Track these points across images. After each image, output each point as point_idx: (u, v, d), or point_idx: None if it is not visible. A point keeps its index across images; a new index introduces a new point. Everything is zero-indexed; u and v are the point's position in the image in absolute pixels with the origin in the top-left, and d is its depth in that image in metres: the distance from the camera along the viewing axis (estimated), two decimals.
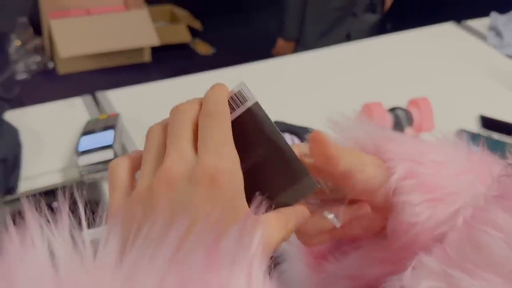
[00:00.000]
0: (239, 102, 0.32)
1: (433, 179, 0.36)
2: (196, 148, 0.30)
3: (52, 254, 0.26)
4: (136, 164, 0.33)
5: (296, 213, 0.33)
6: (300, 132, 0.84)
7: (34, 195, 0.98)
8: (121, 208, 0.30)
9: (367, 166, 0.35)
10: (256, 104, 0.32)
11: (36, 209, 0.28)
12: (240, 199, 0.29)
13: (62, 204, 0.28)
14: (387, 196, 0.36)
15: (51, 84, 2.53)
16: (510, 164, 0.36)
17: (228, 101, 0.32)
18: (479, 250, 0.31)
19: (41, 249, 0.26)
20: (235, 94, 0.32)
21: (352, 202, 0.37)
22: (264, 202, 0.29)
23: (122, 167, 0.32)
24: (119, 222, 0.27)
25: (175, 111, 0.31)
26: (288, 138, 0.83)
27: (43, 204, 0.28)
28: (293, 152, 0.32)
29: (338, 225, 0.35)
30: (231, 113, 0.32)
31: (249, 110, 0.32)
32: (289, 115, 0.92)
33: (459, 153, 0.38)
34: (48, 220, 0.27)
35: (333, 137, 0.39)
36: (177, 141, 0.29)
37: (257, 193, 0.29)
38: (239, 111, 0.32)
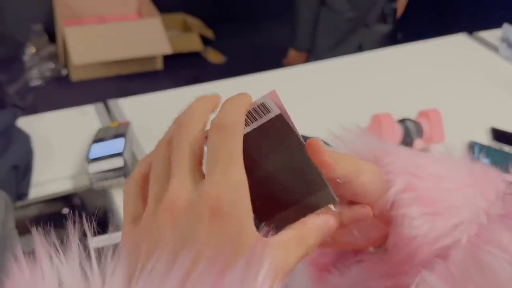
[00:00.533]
0: (261, 113, 0.31)
1: (431, 192, 0.35)
2: (200, 169, 0.29)
3: (60, 284, 0.26)
4: (146, 182, 0.31)
5: (318, 225, 0.31)
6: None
7: (44, 201, 0.99)
8: (127, 239, 0.29)
9: (364, 173, 0.35)
10: (279, 115, 0.31)
11: (46, 237, 0.28)
12: (246, 227, 0.27)
13: (71, 232, 0.28)
14: (384, 209, 0.36)
15: (64, 91, 2.57)
16: None
17: (250, 111, 0.31)
18: (482, 270, 0.30)
19: (50, 279, 0.26)
20: (257, 106, 0.31)
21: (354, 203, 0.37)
22: (274, 225, 0.28)
23: (129, 192, 0.31)
24: (125, 253, 0.27)
25: (178, 125, 0.30)
26: None
27: (53, 235, 0.28)
28: (313, 164, 0.32)
29: (336, 210, 0.35)
30: (252, 122, 0.31)
31: (271, 120, 0.31)
32: (299, 125, 0.92)
33: (461, 167, 0.38)
34: (57, 249, 0.27)
35: (335, 148, 0.39)
36: (179, 165, 0.28)
37: (264, 223, 0.29)
38: (260, 121, 0.31)
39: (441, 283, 0.32)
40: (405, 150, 0.38)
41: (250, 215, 0.28)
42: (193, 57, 2.90)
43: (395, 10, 1.93)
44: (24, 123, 1.00)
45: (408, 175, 0.36)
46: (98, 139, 0.95)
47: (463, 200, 0.36)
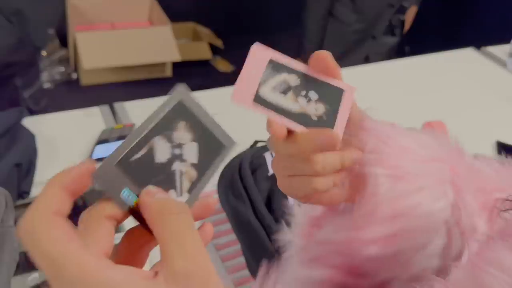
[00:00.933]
0: None
1: (394, 158, 0.39)
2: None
3: None
4: None
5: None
6: None
7: None
8: None
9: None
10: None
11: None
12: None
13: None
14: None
15: (73, 94, 2.59)
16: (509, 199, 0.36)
17: None
18: None
19: None
20: None
21: None
22: None
23: None
24: None
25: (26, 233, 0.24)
26: None
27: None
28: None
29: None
30: None
31: None
32: None
33: (434, 143, 0.41)
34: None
35: None
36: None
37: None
38: None
39: None
40: (383, 124, 0.42)
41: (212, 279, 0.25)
42: (202, 65, 2.92)
43: (403, 22, 1.94)
44: (30, 122, 1.01)
45: (377, 140, 0.39)
46: (102, 140, 0.96)
47: (427, 171, 0.39)
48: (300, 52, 2.01)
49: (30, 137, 0.95)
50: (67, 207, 0.26)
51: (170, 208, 0.26)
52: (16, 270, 0.73)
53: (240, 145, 0.91)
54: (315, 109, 0.37)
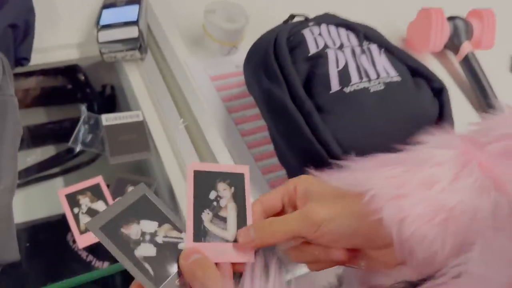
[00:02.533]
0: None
1: (426, 204, 0.34)
2: None
3: None
4: None
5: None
6: (356, 28, 0.73)
7: (46, 75, 0.89)
8: None
9: (322, 224, 0.37)
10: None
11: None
12: None
13: None
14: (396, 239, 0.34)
15: None
16: None
17: None
18: None
19: None
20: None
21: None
22: None
23: None
24: None
25: None
26: (344, 33, 0.72)
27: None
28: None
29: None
30: None
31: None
32: (343, 11, 0.80)
33: (447, 157, 0.36)
34: None
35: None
36: None
37: None
38: None
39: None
40: (380, 174, 0.37)
41: None
42: None
43: None
44: None
45: (394, 201, 0.35)
46: (108, 5, 0.83)
47: (461, 193, 0.34)
48: None
49: None
50: None
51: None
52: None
53: (272, 19, 0.79)
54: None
